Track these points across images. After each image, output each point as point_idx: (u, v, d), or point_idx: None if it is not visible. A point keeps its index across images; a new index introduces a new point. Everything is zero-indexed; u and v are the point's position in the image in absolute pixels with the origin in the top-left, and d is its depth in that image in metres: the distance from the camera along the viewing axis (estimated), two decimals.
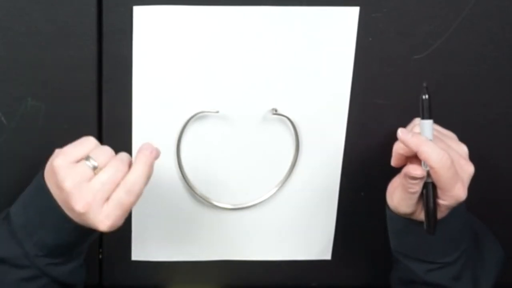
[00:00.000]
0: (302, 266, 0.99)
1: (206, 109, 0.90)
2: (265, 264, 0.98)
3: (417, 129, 0.85)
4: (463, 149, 0.86)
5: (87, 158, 0.80)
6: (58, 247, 0.83)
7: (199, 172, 0.93)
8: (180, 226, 0.95)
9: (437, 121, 0.93)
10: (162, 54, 0.87)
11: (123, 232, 0.95)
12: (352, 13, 0.87)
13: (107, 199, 0.79)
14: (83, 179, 0.79)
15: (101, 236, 0.95)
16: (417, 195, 0.84)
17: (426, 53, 0.89)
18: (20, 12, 0.83)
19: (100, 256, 0.97)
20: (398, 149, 0.84)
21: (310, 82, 0.90)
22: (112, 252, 0.97)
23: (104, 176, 0.79)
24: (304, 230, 0.97)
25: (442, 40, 0.89)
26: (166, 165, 0.92)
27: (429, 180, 0.83)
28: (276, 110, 0.91)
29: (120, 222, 0.80)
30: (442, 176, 0.82)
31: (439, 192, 0.83)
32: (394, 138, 0.92)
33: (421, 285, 0.90)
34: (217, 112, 0.90)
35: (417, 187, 0.83)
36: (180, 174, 0.92)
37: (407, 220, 0.87)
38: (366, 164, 0.94)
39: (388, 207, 0.88)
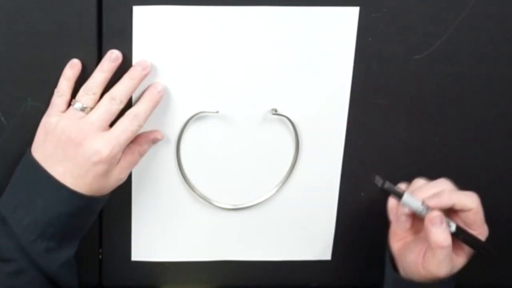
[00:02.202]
0: (302, 266, 0.99)
1: (206, 109, 0.90)
2: (265, 264, 0.98)
3: (428, 191, 0.87)
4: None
5: (73, 103, 0.84)
6: (51, 224, 0.83)
7: (199, 172, 0.93)
8: (180, 226, 0.95)
9: (437, 121, 0.93)
10: (161, 54, 0.86)
11: (123, 232, 0.95)
12: (352, 13, 0.87)
13: (106, 129, 0.83)
14: (76, 118, 0.83)
15: (100, 236, 0.95)
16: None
17: (426, 53, 0.89)
18: (20, 12, 0.83)
19: (100, 256, 0.97)
20: (403, 212, 0.88)
21: (310, 82, 0.90)
22: (112, 252, 0.97)
23: (99, 110, 0.83)
24: (304, 230, 0.97)
25: (442, 40, 0.89)
26: (166, 165, 0.92)
27: (454, 225, 0.86)
28: (276, 110, 0.91)
29: (118, 151, 0.83)
30: (479, 213, 0.86)
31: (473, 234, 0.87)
32: (395, 138, 0.93)
33: None
34: (217, 112, 0.90)
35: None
36: (180, 174, 0.92)
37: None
38: (366, 164, 0.94)
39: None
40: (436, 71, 0.90)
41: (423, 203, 0.85)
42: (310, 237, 0.98)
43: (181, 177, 0.92)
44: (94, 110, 0.84)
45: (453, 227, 0.86)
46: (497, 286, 0.99)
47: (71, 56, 0.85)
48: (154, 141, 0.89)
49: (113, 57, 0.85)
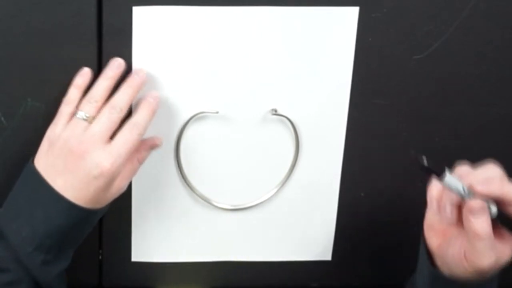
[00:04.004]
0: (302, 267, 0.99)
1: (206, 109, 0.90)
2: (265, 265, 0.98)
3: (478, 176, 0.79)
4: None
5: (75, 113, 0.84)
6: (48, 236, 0.82)
7: (199, 172, 0.93)
8: (180, 227, 0.95)
9: (437, 121, 0.93)
10: (161, 54, 0.87)
11: (123, 233, 0.95)
12: (352, 13, 0.87)
13: (108, 141, 0.83)
14: (79, 129, 0.83)
15: (100, 236, 0.95)
16: None
17: (426, 53, 0.89)
18: (20, 12, 0.83)
19: (100, 257, 0.97)
20: (449, 201, 0.80)
21: (310, 82, 0.90)
22: (112, 253, 0.97)
23: (100, 120, 0.83)
24: (304, 230, 0.97)
25: (442, 40, 0.89)
26: (166, 165, 0.92)
27: (495, 208, 0.79)
28: (276, 111, 0.91)
29: (119, 164, 0.82)
30: None
31: None
32: (395, 138, 0.93)
33: None
34: (217, 112, 0.90)
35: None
36: (180, 175, 0.92)
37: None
38: (366, 164, 0.94)
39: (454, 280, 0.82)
40: (436, 71, 0.90)
41: (468, 187, 0.77)
42: (310, 237, 0.98)
43: (181, 177, 0.92)
44: (95, 121, 0.83)
45: (494, 210, 0.78)
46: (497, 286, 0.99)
47: (71, 56, 0.85)
48: (153, 148, 0.89)
49: (116, 64, 0.85)
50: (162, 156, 0.91)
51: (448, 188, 0.78)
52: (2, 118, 0.87)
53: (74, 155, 0.82)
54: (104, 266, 0.97)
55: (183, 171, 0.92)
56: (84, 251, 0.90)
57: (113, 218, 0.94)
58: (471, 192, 0.77)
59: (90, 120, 0.83)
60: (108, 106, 0.84)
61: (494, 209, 0.78)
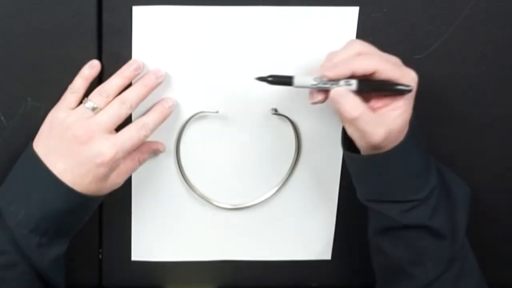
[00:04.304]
0: (302, 266, 0.99)
1: (206, 109, 0.90)
2: (265, 264, 0.98)
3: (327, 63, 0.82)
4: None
5: (84, 101, 0.84)
6: (45, 220, 0.83)
7: (199, 172, 0.93)
8: (180, 226, 0.95)
9: (437, 121, 0.93)
10: (161, 54, 0.87)
11: (123, 232, 0.95)
12: (352, 13, 0.87)
13: (112, 132, 0.83)
14: (85, 117, 0.83)
15: (100, 236, 0.95)
16: None
17: (426, 53, 0.89)
18: (20, 12, 0.83)
19: (100, 256, 0.97)
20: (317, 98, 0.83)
21: None
22: (112, 252, 0.97)
23: (108, 111, 0.83)
24: (304, 230, 0.97)
25: (442, 40, 0.89)
26: (166, 165, 0.92)
27: (354, 81, 0.81)
28: (276, 110, 0.91)
29: (121, 156, 0.83)
30: (387, 71, 0.80)
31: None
32: None
33: (400, 229, 0.86)
34: (217, 112, 0.90)
35: None
36: (180, 174, 0.92)
37: (372, 157, 0.83)
38: None
39: (349, 150, 0.85)
40: (436, 71, 0.90)
41: (320, 78, 0.80)
42: (310, 237, 0.98)
43: (181, 177, 0.93)
44: (103, 111, 0.83)
45: (354, 85, 0.80)
46: (497, 286, 0.99)
47: (71, 56, 0.85)
48: (156, 152, 0.90)
49: (134, 66, 0.85)
50: (162, 156, 0.91)
51: (305, 87, 0.82)
52: (2, 118, 0.87)
53: (78, 141, 0.82)
54: (104, 266, 0.97)
55: (183, 170, 0.92)
56: (84, 251, 0.90)
57: (113, 218, 0.94)
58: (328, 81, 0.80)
59: (97, 111, 0.84)
60: (119, 100, 0.84)
61: (353, 83, 0.80)
